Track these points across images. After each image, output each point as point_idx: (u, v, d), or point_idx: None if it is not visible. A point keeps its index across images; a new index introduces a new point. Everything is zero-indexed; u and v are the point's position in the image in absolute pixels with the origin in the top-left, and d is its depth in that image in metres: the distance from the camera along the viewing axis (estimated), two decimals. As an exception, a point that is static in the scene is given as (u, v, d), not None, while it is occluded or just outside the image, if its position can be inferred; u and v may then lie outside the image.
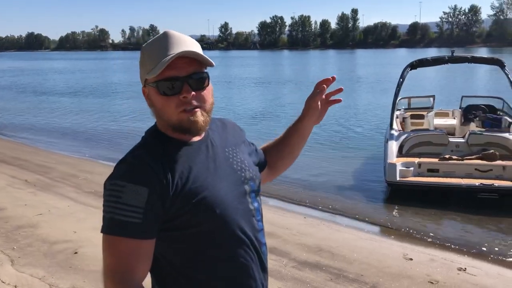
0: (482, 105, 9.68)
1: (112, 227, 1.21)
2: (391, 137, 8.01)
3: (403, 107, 10.63)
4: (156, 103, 1.29)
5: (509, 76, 8.34)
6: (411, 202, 7.05)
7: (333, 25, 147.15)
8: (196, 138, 1.35)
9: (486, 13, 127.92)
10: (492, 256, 5.30)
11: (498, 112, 9.43)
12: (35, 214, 5.82)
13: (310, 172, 8.96)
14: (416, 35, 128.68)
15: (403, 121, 9.65)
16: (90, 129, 14.41)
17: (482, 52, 78.26)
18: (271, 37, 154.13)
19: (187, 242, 1.28)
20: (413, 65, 8.98)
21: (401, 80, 8.88)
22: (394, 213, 6.93)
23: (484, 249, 5.49)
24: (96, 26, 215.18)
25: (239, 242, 1.34)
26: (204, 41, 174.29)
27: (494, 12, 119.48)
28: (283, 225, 5.86)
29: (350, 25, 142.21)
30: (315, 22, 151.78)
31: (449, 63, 8.91)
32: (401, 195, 7.31)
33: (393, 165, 7.16)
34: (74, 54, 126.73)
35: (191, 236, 1.28)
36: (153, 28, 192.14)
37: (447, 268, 4.70)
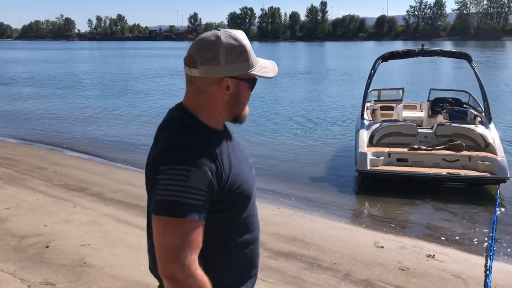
0: (449, 98, 9.93)
1: (178, 209, 1.27)
2: (362, 127, 8.17)
3: (373, 99, 10.82)
4: (243, 96, 1.44)
5: (475, 70, 8.60)
6: (381, 192, 7.23)
7: (303, 17, 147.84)
8: (221, 128, 1.49)
9: (450, 7, 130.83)
10: (458, 243, 5.49)
11: (464, 105, 9.70)
12: (3, 208, 5.66)
13: (282, 163, 9.04)
14: (383, 28, 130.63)
15: (373, 113, 9.83)
16: (56, 120, 14.04)
17: (447, 45, 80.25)
18: (241, 28, 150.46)
19: (226, 224, 1.41)
20: (385, 57, 9.13)
21: (372, 71, 9.02)
22: (365, 202, 7.10)
23: (452, 236, 5.69)
24: (61, 15, 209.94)
25: (258, 227, 1.55)
26: (173, 32, 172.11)
27: (458, 6, 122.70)
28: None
29: (319, 17, 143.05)
30: (285, 14, 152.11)
31: (419, 56, 9.07)
32: (372, 184, 7.49)
33: (364, 155, 7.34)
34: (38, 44, 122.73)
35: (231, 219, 1.42)
36: (120, 18, 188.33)
37: (416, 255, 4.85)
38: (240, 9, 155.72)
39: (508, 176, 6.93)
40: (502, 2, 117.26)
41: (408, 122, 8.40)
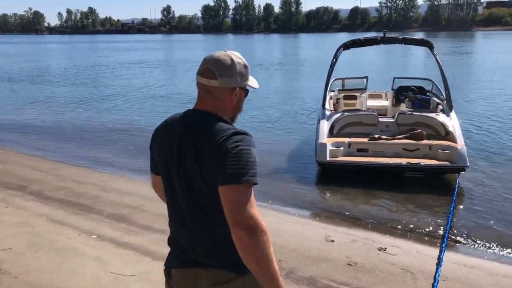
0: (413, 86, 9.81)
1: (255, 177, 1.59)
2: (323, 117, 7.96)
3: (337, 88, 10.59)
4: (242, 101, 1.86)
5: (437, 57, 8.45)
6: (341, 183, 7.00)
7: (277, 9, 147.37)
8: None
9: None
10: (413, 234, 5.30)
11: (428, 93, 9.57)
12: None
13: None
14: (356, 19, 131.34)
15: (337, 102, 9.63)
16: (12, 117, 13.40)
17: (419, 36, 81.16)
18: (215, 20, 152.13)
19: None
20: (346, 46, 8.88)
21: (334, 60, 8.78)
22: (323, 194, 6.87)
23: (407, 227, 5.49)
24: (30, 8, 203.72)
25: None
26: (146, 25, 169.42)
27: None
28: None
29: (293, 9, 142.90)
30: (259, 6, 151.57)
31: (381, 43, 8.90)
32: (331, 175, 7.26)
33: (324, 145, 7.12)
34: (6, 38, 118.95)
35: None
36: (91, 11, 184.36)
37: (367, 249, 4.63)
38: (213, 1, 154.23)
39: (467, 164, 6.82)
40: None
41: (369, 112, 8.22)
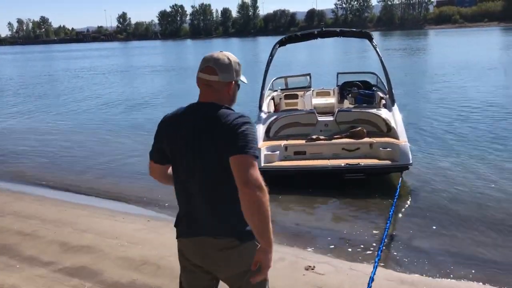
0: (357, 81, 9.34)
1: (256, 150, 1.98)
2: (259, 120, 7.37)
3: (280, 87, 10.01)
4: (235, 93, 2.19)
5: (377, 49, 8.02)
6: (277, 190, 6.33)
7: (234, 14, 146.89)
8: None
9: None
10: (348, 247, 4.69)
11: (374, 87, 9.11)
12: None
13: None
14: (313, 21, 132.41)
15: (279, 102, 9.05)
16: None
17: (374, 36, 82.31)
18: (172, 26, 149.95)
19: None
20: (282, 42, 8.34)
21: (270, 58, 8.19)
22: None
23: (342, 239, 4.90)
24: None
25: None
26: (101, 33, 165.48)
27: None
28: (114, 233, 4.83)
29: (250, 13, 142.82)
30: (216, 11, 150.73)
31: (319, 37, 8.38)
32: (269, 182, 6.58)
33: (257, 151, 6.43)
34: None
35: None
36: (44, 20, 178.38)
37: (293, 269, 4.03)
38: (170, 6, 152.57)
39: (410, 162, 6.30)
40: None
41: (306, 111, 7.68)
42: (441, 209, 5.62)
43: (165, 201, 6.02)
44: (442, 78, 18.56)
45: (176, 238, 2.19)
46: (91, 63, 41.25)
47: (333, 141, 6.82)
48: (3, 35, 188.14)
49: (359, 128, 6.95)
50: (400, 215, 5.51)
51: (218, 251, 2.05)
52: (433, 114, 11.57)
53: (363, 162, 6.32)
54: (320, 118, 7.41)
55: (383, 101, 7.87)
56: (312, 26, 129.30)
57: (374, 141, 6.69)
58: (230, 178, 1.93)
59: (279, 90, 9.80)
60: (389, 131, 6.95)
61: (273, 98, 9.01)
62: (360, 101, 8.47)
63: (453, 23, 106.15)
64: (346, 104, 8.83)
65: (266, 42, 79.39)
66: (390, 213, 5.15)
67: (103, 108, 15.46)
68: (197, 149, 2.04)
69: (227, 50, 2.17)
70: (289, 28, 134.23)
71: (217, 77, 2.08)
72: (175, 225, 2.18)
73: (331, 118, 7.43)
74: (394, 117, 7.12)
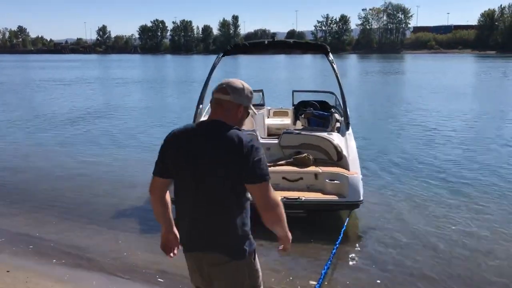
0: (314, 101, 8.64)
1: (269, 175, 2.20)
2: None
3: None
4: (243, 118, 2.33)
5: (333, 64, 7.08)
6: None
7: (215, 31, 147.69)
8: None
9: (355, 23, 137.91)
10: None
11: (332, 109, 8.27)
12: None
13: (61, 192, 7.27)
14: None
15: None
16: None
17: (352, 58, 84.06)
18: (152, 41, 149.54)
19: None
20: (227, 51, 7.21)
21: (212, 68, 7.14)
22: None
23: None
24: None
25: None
26: (80, 45, 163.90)
27: (361, 21, 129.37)
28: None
29: (231, 31, 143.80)
30: (197, 27, 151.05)
31: (269, 48, 7.36)
32: None
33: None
34: None
35: None
36: (21, 30, 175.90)
37: None
38: (151, 21, 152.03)
39: (361, 199, 5.31)
40: (399, 19, 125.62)
41: (245, 131, 6.51)
42: (395, 263, 4.72)
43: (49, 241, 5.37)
44: (412, 102, 18.80)
45: (183, 252, 2.37)
46: (59, 74, 40.35)
47: (272, 168, 5.62)
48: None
49: (305, 154, 6.05)
50: (340, 265, 4.66)
51: (211, 266, 2.24)
52: (397, 141, 11.03)
53: (305, 196, 5.36)
54: (263, 141, 6.42)
55: (338, 124, 7.07)
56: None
57: (320, 171, 5.74)
58: (234, 197, 2.18)
59: None
60: (340, 159, 6.01)
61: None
62: (314, 123, 7.72)
63: (429, 49, 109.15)
64: (299, 125, 8.08)
65: (247, 61, 79.79)
66: (327, 263, 4.33)
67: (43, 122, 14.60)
68: (206, 168, 2.16)
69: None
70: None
71: (228, 97, 2.23)
72: (180, 241, 2.36)
73: (274, 141, 6.47)
74: (347, 143, 6.21)
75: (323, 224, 5.63)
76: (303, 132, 6.50)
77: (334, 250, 4.57)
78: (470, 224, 5.75)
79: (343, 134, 6.51)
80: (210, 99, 2.29)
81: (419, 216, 6.01)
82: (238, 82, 2.27)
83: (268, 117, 9.42)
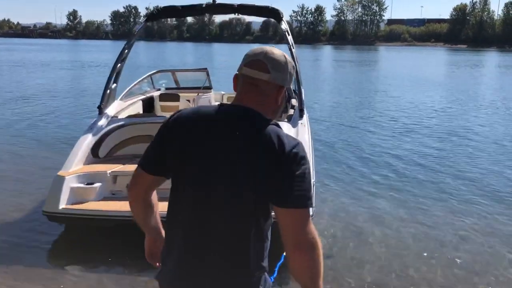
0: None
1: (312, 201, 1.56)
2: (89, 129, 5.03)
3: (164, 86, 7.92)
4: (283, 103, 1.66)
5: (287, 34, 5.86)
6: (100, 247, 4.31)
7: (190, 19, 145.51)
8: None
9: (330, 13, 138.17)
10: None
11: (294, 94, 7.36)
12: None
13: None
14: (268, 31, 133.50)
15: (152, 106, 7.09)
16: None
17: (327, 49, 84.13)
18: (125, 27, 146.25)
19: None
20: (152, 15, 5.88)
21: (132, 36, 5.81)
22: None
23: None
24: None
25: None
26: (49, 29, 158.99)
27: (336, 13, 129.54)
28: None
29: (206, 19, 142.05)
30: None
31: (208, 13, 6.12)
32: (76, 236, 4.55)
33: (60, 181, 4.17)
34: None
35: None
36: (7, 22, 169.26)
37: None
38: (123, 7, 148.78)
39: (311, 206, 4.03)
40: (374, 11, 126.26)
41: (160, 118, 5.17)
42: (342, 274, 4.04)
43: None
44: (383, 92, 18.63)
45: (156, 278, 1.69)
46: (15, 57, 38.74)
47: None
48: None
49: None
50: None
51: None
52: (362, 133, 10.22)
53: None
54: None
55: (291, 111, 5.83)
56: (267, 36, 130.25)
57: None
58: (255, 219, 1.55)
59: (163, 89, 7.73)
60: None
61: (149, 100, 6.93)
62: None
63: (402, 41, 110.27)
64: None
65: (221, 49, 78.93)
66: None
67: None
68: (226, 175, 1.51)
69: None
70: (244, 37, 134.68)
71: (267, 76, 1.56)
72: (162, 261, 1.68)
73: None
74: (297, 135, 4.98)
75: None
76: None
77: (272, 280, 3.63)
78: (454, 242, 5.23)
79: (294, 125, 5.26)
80: (235, 75, 1.63)
81: (383, 231, 4.99)
82: (279, 53, 1.61)
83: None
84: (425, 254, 4.50)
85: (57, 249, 4.42)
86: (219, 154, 1.51)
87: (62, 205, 4.12)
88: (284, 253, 3.45)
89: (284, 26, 5.86)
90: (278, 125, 1.56)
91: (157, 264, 1.79)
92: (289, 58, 1.62)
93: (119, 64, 5.43)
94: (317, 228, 4.32)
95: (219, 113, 1.58)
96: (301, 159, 1.50)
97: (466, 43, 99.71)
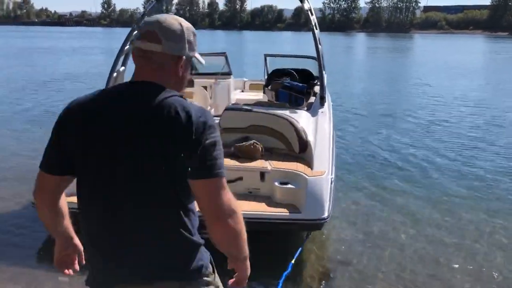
0: (291, 69, 6.76)
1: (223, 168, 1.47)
2: None
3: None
4: (186, 75, 1.57)
5: (310, 11, 5.68)
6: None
7: (221, 6, 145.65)
8: None
9: (364, 0, 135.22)
10: None
11: (315, 80, 6.36)
12: None
13: None
14: (300, 19, 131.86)
15: None
16: None
17: (360, 36, 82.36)
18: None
19: None
20: None
21: (142, 19, 5.21)
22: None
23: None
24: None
25: None
26: (85, 18, 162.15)
27: (371, 0, 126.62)
28: None
29: (238, 6, 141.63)
30: (203, 2, 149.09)
31: None
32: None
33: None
34: None
35: None
36: (25, 1, 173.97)
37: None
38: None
39: (325, 216, 3.54)
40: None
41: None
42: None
43: None
44: (418, 80, 17.77)
45: (87, 284, 1.59)
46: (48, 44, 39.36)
47: None
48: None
49: (251, 142, 4.27)
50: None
51: None
52: (392, 124, 9.50)
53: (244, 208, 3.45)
54: None
55: (312, 99, 5.47)
56: (299, 23, 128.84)
57: (269, 168, 3.99)
58: (174, 195, 1.46)
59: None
60: (303, 150, 4.25)
61: None
62: (284, 97, 6.04)
63: (438, 29, 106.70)
64: (263, 100, 6.28)
65: (253, 36, 78.50)
66: None
67: None
68: (133, 155, 1.42)
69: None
70: (276, 24, 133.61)
71: (160, 47, 1.47)
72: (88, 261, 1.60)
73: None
74: (316, 126, 4.51)
75: (271, 246, 3.70)
76: (254, 109, 4.63)
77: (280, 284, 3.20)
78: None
79: (313, 113, 4.76)
80: (132, 52, 1.52)
81: (411, 234, 4.41)
82: (172, 20, 1.49)
83: (242, 91, 7.72)
84: (456, 265, 4.02)
85: (46, 248, 4.02)
86: (120, 138, 1.42)
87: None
88: (291, 262, 3.27)
89: (307, 5, 5.61)
90: (181, 96, 1.48)
91: (66, 271, 1.72)
92: (185, 23, 1.52)
93: (127, 46, 5.04)
94: (336, 229, 4.04)
95: (114, 93, 1.51)
96: (209, 127, 1.44)
97: (508, 30, 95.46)
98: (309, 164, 4.05)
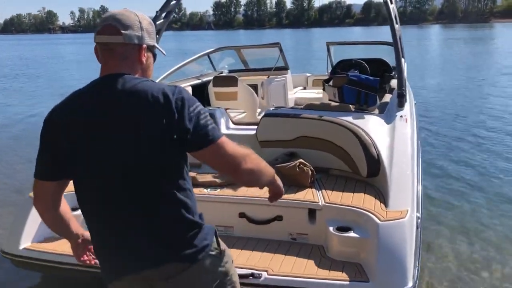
0: (361, 59, 5.40)
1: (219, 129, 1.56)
2: None
3: (227, 67, 6.41)
4: (151, 65, 1.62)
5: None
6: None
7: (289, 5, 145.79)
8: None
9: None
10: None
11: (392, 72, 5.15)
12: None
13: None
14: (370, 13, 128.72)
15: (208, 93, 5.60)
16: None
17: (434, 28, 78.70)
18: (226, 17, 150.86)
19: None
20: None
21: (167, 5, 4.63)
22: None
23: None
24: (43, 8, 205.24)
25: None
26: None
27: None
28: None
29: (305, 4, 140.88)
30: (271, 1, 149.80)
31: None
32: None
33: (27, 204, 2.87)
34: (19, 38, 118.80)
35: None
36: (104, 10, 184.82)
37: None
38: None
39: (410, 286, 2.26)
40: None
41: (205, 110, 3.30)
42: None
43: None
44: (505, 75, 16.51)
45: (105, 279, 1.62)
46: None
47: (220, 191, 3.06)
48: (66, 23, 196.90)
49: (295, 163, 3.15)
50: None
51: (163, 281, 1.54)
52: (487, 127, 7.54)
53: (272, 269, 2.49)
54: (230, 131, 3.72)
55: (387, 97, 4.29)
56: (369, 18, 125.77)
57: (320, 204, 2.85)
58: (169, 178, 1.52)
59: (225, 71, 6.16)
60: (374, 174, 3.06)
61: (201, 85, 5.45)
62: (349, 96, 4.58)
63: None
64: (325, 99, 5.09)
65: (321, 34, 77.62)
66: None
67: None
68: (119, 146, 1.46)
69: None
70: (345, 20, 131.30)
71: (121, 37, 1.50)
72: (98, 259, 1.64)
73: (250, 132, 3.70)
74: (393, 136, 3.23)
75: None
76: (303, 114, 3.43)
77: None
78: None
79: (389, 119, 3.44)
80: (95, 47, 1.55)
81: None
82: (128, 13, 1.55)
83: (304, 88, 6.71)
84: None
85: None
86: (104, 133, 1.46)
87: (22, 245, 2.80)
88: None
89: None
90: (153, 81, 1.54)
91: (87, 260, 1.78)
92: (140, 14, 1.57)
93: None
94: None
95: (89, 88, 1.53)
96: (188, 100, 1.48)
97: None
98: (383, 197, 2.82)
